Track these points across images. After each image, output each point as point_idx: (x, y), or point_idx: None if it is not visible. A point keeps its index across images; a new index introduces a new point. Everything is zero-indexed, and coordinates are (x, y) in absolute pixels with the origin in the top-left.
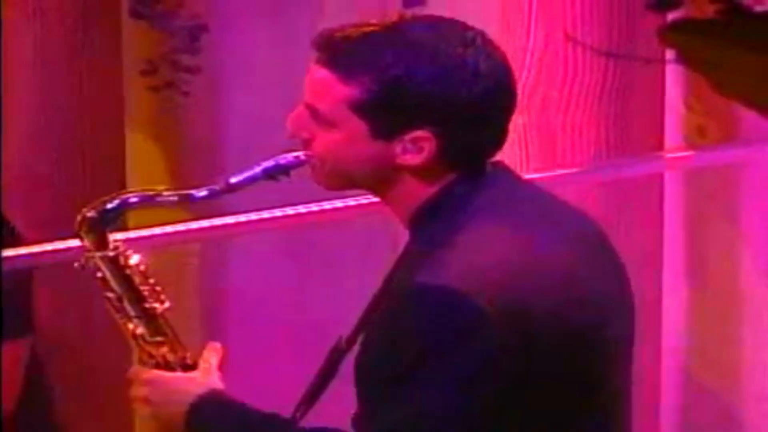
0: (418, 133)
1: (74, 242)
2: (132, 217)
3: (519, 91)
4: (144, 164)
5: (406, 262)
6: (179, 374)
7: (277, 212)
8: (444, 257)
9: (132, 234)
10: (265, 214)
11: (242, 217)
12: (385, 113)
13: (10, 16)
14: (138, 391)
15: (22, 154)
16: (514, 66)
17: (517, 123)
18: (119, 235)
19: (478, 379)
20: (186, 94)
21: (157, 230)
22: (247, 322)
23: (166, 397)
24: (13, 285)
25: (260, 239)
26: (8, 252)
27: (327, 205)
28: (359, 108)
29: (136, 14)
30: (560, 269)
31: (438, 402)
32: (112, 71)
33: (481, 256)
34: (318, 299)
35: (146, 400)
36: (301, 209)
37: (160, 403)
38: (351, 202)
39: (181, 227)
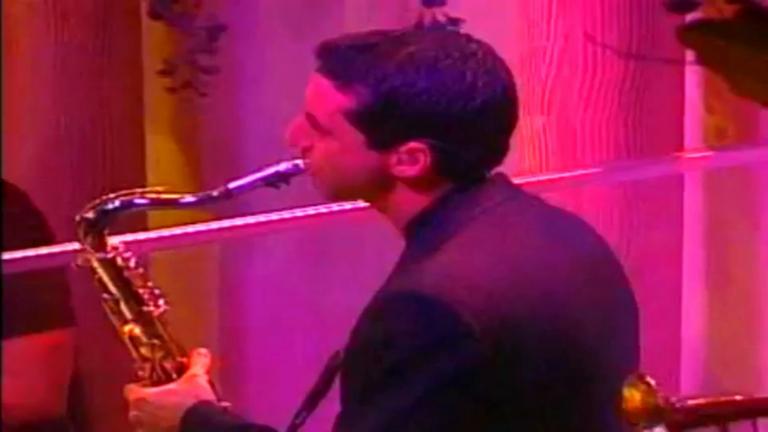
0: (414, 144)
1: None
2: (152, 217)
3: (538, 91)
4: (163, 165)
5: (395, 271)
6: (161, 388)
7: (298, 212)
8: (425, 265)
9: (153, 234)
10: (286, 215)
11: (262, 217)
12: (381, 124)
13: (31, 17)
14: (130, 412)
15: (42, 156)
16: (534, 65)
17: (536, 123)
18: (141, 236)
19: (451, 388)
20: (204, 94)
21: (165, 232)
22: (266, 320)
23: (154, 414)
24: (49, 278)
25: (280, 235)
26: (7, 255)
27: (348, 206)
28: (355, 118)
29: (154, 15)
30: (551, 285)
31: (407, 410)
32: (131, 72)
33: (465, 266)
34: (337, 295)
35: (137, 421)
36: (322, 209)
37: (149, 422)
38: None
39: (202, 227)
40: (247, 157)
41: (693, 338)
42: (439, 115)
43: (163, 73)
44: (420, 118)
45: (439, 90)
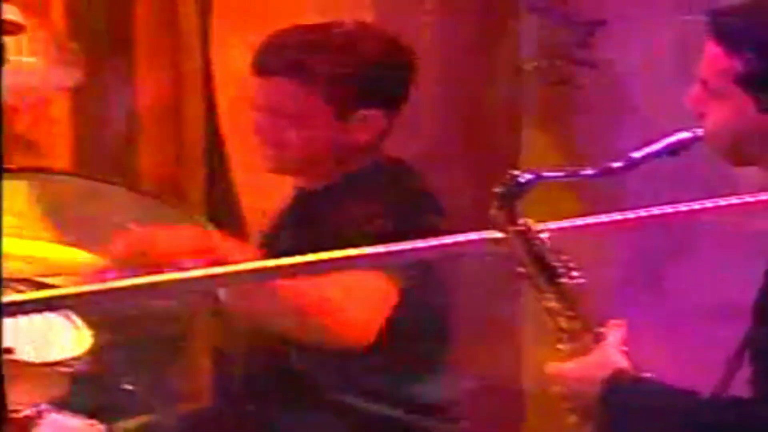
0: None
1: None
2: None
3: None
4: (537, 159)
5: None
6: (577, 362)
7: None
8: None
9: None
10: (696, 206)
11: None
12: None
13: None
14: (553, 388)
15: (422, 153)
16: None
17: None
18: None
19: None
20: (581, 88)
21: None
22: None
23: (575, 389)
24: None
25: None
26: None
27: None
28: (744, 81)
29: (533, 8)
30: None
31: None
32: (508, 65)
33: None
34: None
35: (562, 397)
36: (708, 204)
37: (573, 396)
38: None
39: (604, 218)
40: (624, 152)
41: None
42: None
43: (542, 67)
44: None
45: None
